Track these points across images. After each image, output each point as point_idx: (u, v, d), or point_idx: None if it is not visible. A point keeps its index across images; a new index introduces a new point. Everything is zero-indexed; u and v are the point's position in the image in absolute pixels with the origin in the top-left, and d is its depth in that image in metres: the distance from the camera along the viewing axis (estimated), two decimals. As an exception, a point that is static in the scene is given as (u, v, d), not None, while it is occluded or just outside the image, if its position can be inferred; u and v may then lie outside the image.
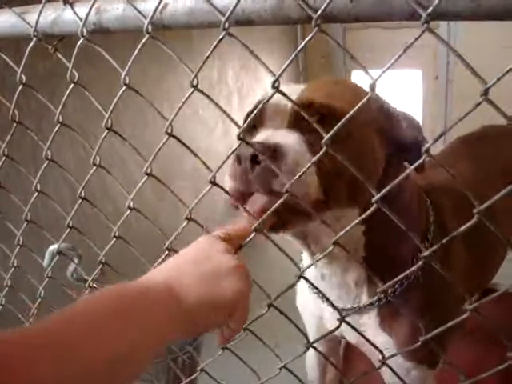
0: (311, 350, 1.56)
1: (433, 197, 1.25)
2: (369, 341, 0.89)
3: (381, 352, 0.87)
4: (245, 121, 0.99)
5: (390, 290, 1.13)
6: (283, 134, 0.89)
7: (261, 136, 0.90)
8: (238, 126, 0.76)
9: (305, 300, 1.39)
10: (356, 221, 0.75)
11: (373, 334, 1.16)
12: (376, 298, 1.14)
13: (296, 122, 0.91)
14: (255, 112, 0.81)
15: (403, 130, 1.01)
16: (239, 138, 0.76)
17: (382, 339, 1.16)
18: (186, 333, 0.69)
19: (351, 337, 1.29)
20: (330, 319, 1.29)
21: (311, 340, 0.94)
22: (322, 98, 0.92)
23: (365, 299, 1.16)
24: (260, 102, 0.93)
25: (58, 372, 0.49)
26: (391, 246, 1.10)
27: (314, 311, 1.35)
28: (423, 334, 0.80)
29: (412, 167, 0.69)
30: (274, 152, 0.82)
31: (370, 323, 1.19)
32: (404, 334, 1.15)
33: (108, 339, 0.56)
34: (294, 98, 0.92)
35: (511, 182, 0.59)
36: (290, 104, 0.92)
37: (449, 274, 0.73)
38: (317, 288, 0.90)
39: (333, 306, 0.90)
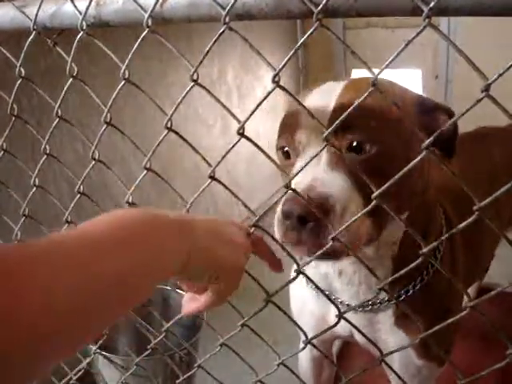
0: (304, 355, 1.56)
1: (439, 198, 1.24)
2: (369, 340, 0.89)
3: (380, 351, 0.86)
4: (279, 130, 1.00)
5: (410, 286, 1.12)
6: (326, 176, 0.86)
7: (299, 176, 0.84)
8: (238, 121, 0.75)
9: (302, 301, 1.35)
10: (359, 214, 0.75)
11: (387, 332, 1.16)
12: (396, 295, 1.12)
13: (334, 146, 0.88)
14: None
15: (442, 123, 0.97)
16: (239, 133, 0.76)
17: (396, 337, 1.15)
18: (183, 267, 0.67)
19: (360, 335, 1.28)
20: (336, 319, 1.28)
21: (314, 344, 0.93)
22: (361, 117, 0.85)
23: (382, 296, 1.14)
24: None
25: (60, 282, 0.48)
26: (416, 247, 1.09)
27: (315, 311, 1.32)
28: (437, 332, 0.80)
29: (410, 165, 0.68)
30: (322, 205, 0.81)
31: (384, 321, 1.17)
32: (419, 333, 1.14)
33: (117, 257, 0.55)
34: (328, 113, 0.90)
35: (500, 185, 0.59)
36: (326, 118, 0.89)
37: (453, 272, 0.73)
38: (316, 285, 0.89)
39: (332, 302, 0.89)
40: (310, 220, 0.81)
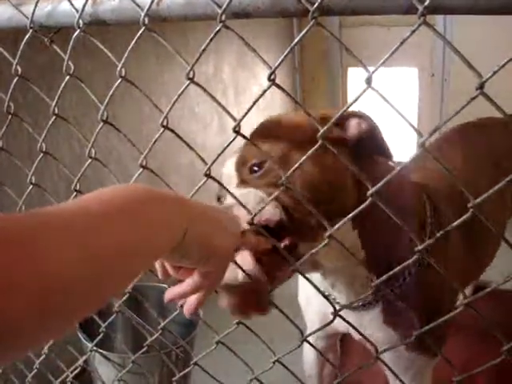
0: (309, 349, 1.57)
1: (429, 191, 1.26)
2: (365, 337, 0.90)
3: (376, 348, 0.87)
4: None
5: (392, 287, 1.15)
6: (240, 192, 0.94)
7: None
8: (234, 119, 0.76)
9: (307, 297, 1.40)
10: (345, 219, 0.77)
11: (377, 329, 1.19)
12: (379, 296, 1.15)
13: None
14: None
15: (352, 128, 1.00)
16: (235, 131, 0.76)
17: (385, 334, 1.18)
18: (178, 243, 0.67)
19: (355, 333, 1.30)
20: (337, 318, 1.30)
21: (315, 337, 0.95)
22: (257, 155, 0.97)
23: (370, 297, 1.17)
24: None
25: (62, 252, 0.47)
26: (388, 244, 1.11)
27: (317, 308, 1.36)
28: (424, 324, 0.82)
29: (408, 160, 0.69)
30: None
31: (374, 320, 1.20)
32: (407, 328, 1.16)
33: (119, 230, 0.55)
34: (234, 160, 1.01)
35: (502, 172, 0.60)
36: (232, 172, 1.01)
37: (445, 268, 0.73)
38: (315, 287, 0.92)
39: (328, 300, 0.90)
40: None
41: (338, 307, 0.91)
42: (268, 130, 1.04)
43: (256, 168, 0.97)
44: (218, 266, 0.76)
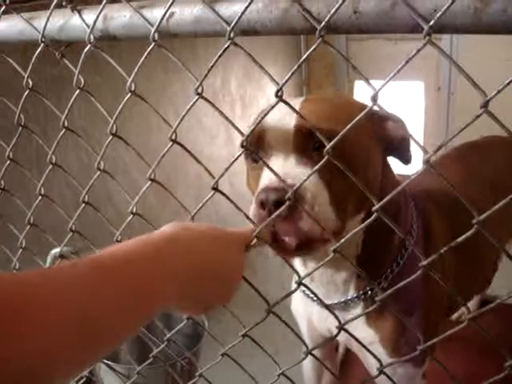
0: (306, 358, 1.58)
1: (419, 200, 1.28)
2: (356, 339, 0.90)
3: (370, 352, 0.87)
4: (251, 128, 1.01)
5: (375, 285, 1.15)
6: (294, 170, 0.92)
7: (271, 175, 0.89)
8: (242, 134, 0.77)
9: (296, 302, 1.40)
10: (360, 226, 0.79)
11: (359, 330, 1.17)
12: (361, 292, 1.16)
13: (300, 149, 0.94)
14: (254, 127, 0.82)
15: (391, 131, 1.04)
16: (242, 146, 0.77)
17: (367, 335, 1.17)
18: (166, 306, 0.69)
19: (339, 335, 1.29)
20: (318, 319, 1.32)
21: (308, 345, 0.95)
22: (321, 123, 0.91)
23: (351, 294, 1.18)
24: (261, 117, 0.96)
25: (47, 329, 0.49)
26: (381, 245, 1.13)
27: (303, 313, 1.37)
28: (407, 329, 0.82)
29: (413, 176, 0.70)
30: (295, 192, 0.83)
31: (356, 319, 1.19)
32: (389, 330, 1.16)
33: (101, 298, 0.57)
34: (292, 122, 0.94)
35: (502, 191, 0.61)
36: (291, 127, 0.94)
37: (430, 279, 0.74)
38: (311, 290, 0.93)
39: (325, 305, 0.90)
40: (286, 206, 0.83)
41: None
42: (336, 112, 0.97)
43: (317, 145, 0.92)
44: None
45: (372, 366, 1.17)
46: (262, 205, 0.85)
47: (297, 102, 1.00)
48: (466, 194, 0.66)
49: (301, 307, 1.37)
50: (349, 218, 0.98)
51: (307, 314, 1.36)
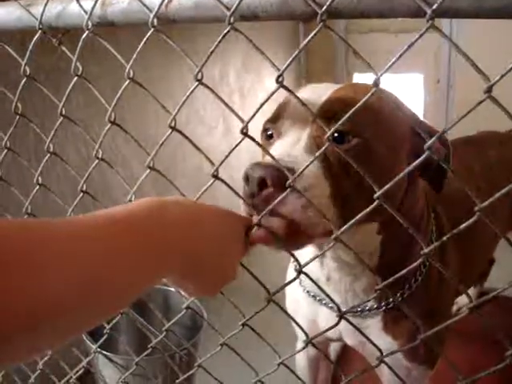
0: (301, 355, 1.57)
1: (433, 206, 1.26)
2: (370, 340, 0.89)
3: (380, 350, 0.87)
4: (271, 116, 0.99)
5: (397, 295, 1.15)
6: (299, 156, 0.85)
7: (275, 151, 0.86)
8: (242, 121, 0.76)
9: (296, 303, 1.36)
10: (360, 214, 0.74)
11: (375, 337, 1.17)
12: (383, 303, 1.16)
13: (316, 132, 0.88)
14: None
15: (434, 152, 0.99)
16: (242, 133, 0.76)
17: (384, 342, 1.17)
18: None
19: (351, 339, 1.29)
20: (324, 321, 1.29)
21: (305, 344, 0.94)
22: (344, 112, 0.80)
23: (371, 304, 1.17)
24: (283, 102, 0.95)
25: (56, 275, 0.49)
26: (402, 256, 1.10)
27: (307, 314, 1.33)
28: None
29: (415, 163, 0.69)
30: (284, 177, 0.77)
31: (373, 326, 1.20)
32: (407, 338, 1.16)
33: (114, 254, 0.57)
34: (320, 101, 0.90)
35: (496, 187, 0.60)
36: (318, 103, 0.90)
37: (449, 273, 0.73)
38: (319, 286, 0.89)
39: (333, 302, 0.89)
40: (269, 186, 0.78)
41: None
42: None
43: (338, 137, 0.86)
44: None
45: (386, 371, 1.16)
46: (246, 179, 0.81)
47: (334, 86, 0.96)
48: (462, 187, 0.65)
49: (305, 309, 1.34)
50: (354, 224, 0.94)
51: (312, 315, 1.32)
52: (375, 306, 1.17)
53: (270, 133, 0.97)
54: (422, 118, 1.03)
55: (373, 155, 0.88)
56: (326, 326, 1.29)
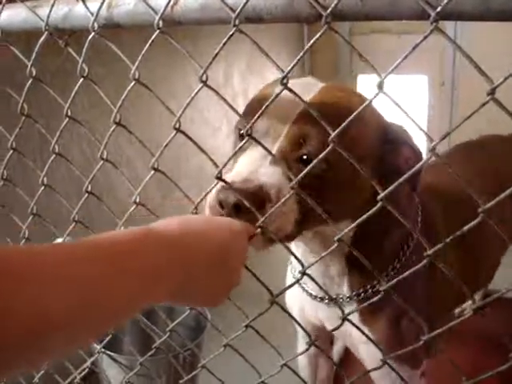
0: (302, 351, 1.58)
1: (423, 197, 1.27)
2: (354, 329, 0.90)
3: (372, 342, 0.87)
4: (244, 110, 0.99)
5: (368, 286, 1.15)
6: (267, 170, 0.89)
7: (242, 169, 0.89)
8: (246, 122, 0.76)
9: (293, 294, 1.37)
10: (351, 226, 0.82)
11: (353, 326, 1.17)
12: (355, 292, 1.17)
13: (284, 151, 0.92)
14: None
15: (402, 159, 1.01)
16: (246, 134, 0.77)
17: (361, 334, 1.16)
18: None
19: (330, 325, 1.29)
20: (310, 310, 1.32)
21: (301, 336, 0.95)
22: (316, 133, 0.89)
23: (345, 291, 1.18)
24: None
25: (55, 293, 0.50)
26: (374, 243, 1.12)
27: (298, 304, 1.37)
28: (404, 331, 0.81)
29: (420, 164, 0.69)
30: (257, 195, 0.84)
31: (352, 317, 1.18)
32: (384, 331, 1.16)
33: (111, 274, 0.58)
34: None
35: (500, 191, 0.60)
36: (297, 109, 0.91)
37: (433, 278, 0.74)
38: (314, 279, 0.91)
39: (329, 296, 0.89)
40: (244, 210, 0.83)
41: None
42: (334, 116, 0.80)
43: (305, 157, 0.91)
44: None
45: (368, 365, 1.17)
46: (220, 205, 0.85)
47: (316, 87, 1.00)
48: (466, 191, 0.65)
49: (296, 298, 1.36)
50: (321, 224, 0.98)
51: (301, 304, 1.35)
52: (347, 295, 1.18)
53: (242, 132, 0.97)
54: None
55: (337, 176, 0.92)
56: (310, 313, 1.32)
